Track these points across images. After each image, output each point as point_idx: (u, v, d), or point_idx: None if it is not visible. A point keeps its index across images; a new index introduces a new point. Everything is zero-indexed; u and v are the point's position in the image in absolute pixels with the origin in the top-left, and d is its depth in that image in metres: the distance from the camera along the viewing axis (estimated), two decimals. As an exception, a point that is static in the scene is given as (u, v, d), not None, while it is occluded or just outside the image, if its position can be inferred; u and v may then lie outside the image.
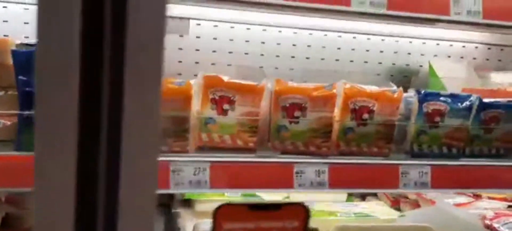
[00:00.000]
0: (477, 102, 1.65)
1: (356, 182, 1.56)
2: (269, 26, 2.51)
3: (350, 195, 2.38)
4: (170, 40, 2.37)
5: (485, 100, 1.66)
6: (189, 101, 1.43)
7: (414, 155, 1.63)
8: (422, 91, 1.62)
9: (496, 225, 2.03)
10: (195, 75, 1.64)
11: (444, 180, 1.62)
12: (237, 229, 1.05)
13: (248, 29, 2.49)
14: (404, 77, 2.69)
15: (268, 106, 1.56)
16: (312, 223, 1.87)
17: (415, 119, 1.62)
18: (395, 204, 2.42)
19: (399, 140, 1.67)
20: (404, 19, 1.55)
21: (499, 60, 2.85)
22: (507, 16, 1.57)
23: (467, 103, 1.64)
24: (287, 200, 1.89)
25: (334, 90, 1.55)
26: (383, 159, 1.59)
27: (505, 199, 2.46)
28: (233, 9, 2.31)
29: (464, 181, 1.64)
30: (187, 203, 2.05)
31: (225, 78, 1.55)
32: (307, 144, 1.55)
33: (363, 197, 2.51)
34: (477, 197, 2.43)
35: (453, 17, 1.53)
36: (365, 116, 1.57)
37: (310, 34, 2.57)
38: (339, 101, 1.57)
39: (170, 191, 1.41)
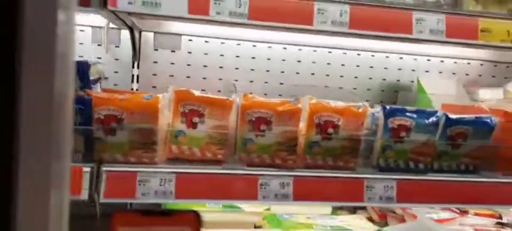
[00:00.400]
0: (443, 119, 1.67)
1: (320, 195, 1.60)
2: (259, 42, 2.57)
3: (334, 208, 2.42)
4: (163, 55, 2.47)
5: (452, 116, 1.68)
6: (156, 114, 1.50)
7: (380, 170, 1.67)
8: (388, 107, 1.66)
9: (472, 241, 2.04)
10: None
11: (410, 195, 1.65)
12: (131, 233, 1.11)
13: (238, 44, 2.56)
14: (395, 92, 2.72)
15: (236, 120, 1.62)
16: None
17: (381, 134, 1.66)
18: (382, 218, 2.44)
19: (367, 155, 1.71)
20: (366, 37, 1.59)
21: (493, 77, 2.85)
22: (470, 35, 1.60)
23: (433, 119, 1.67)
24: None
25: (299, 105, 1.60)
26: (349, 172, 1.63)
27: (492, 216, 2.47)
28: (223, 26, 2.38)
29: (430, 196, 1.66)
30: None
31: (196, 93, 1.62)
32: (273, 157, 1.61)
33: (354, 210, 2.55)
34: (463, 212, 2.43)
35: (415, 35, 1.57)
36: (330, 130, 1.61)
37: (300, 49, 2.63)
38: (304, 116, 1.62)
39: (136, 201, 1.48)
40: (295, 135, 1.61)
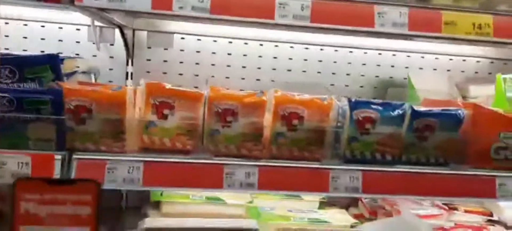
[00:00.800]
0: (409, 111, 1.69)
1: (285, 185, 1.64)
2: (250, 40, 2.63)
3: (321, 203, 2.45)
4: (156, 53, 2.55)
5: (418, 109, 1.70)
6: (123, 106, 1.58)
7: (346, 161, 1.70)
8: (353, 100, 1.69)
9: (448, 236, 2.04)
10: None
11: (376, 186, 1.67)
12: (34, 200, 1.18)
13: (230, 42, 2.62)
14: (388, 89, 2.72)
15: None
16: (266, 226, 1.97)
17: (347, 126, 1.69)
18: (373, 214, 2.46)
19: (335, 146, 1.74)
20: (327, 31, 1.63)
21: (489, 73, 2.83)
22: (434, 28, 1.61)
23: (399, 111, 1.68)
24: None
25: (264, 97, 1.65)
26: (314, 163, 1.67)
27: (483, 213, 2.45)
28: (215, 24, 2.44)
29: (397, 187, 1.68)
30: (156, 205, 2.19)
31: (167, 86, 1.69)
32: (239, 147, 1.66)
33: (347, 206, 2.57)
34: (452, 209, 2.43)
35: (378, 28, 1.59)
36: (295, 122, 1.65)
37: (292, 47, 2.67)
38: (270, 108, 1.66)
39: (105, 187, 1.55)
40: (261, 126, 1.65)
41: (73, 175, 1.54)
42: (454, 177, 1.70)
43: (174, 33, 2.56)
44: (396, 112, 1.68)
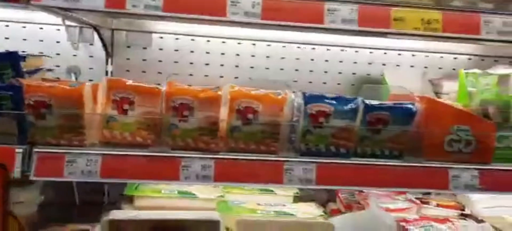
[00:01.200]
0: (362, 105, 1.73)
1: (240, 176, 1.69)
2: (229, 39, 2.69)
3: (297, 198, 2.49)
4: (135, 52, 2.62)
5: (370, 102, 1.74)
6: (81, 101, 1.64)
7: (302, 154, 1.74)
8: (307, 94, 1.73)
9: (410, 227, 2.07)
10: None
11: (330, 178, 1.71)
12: None
13: (208, 41, 2.68)
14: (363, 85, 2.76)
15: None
16: (228, 218, 2.02)
17: (301, 120, 1.73)
18: (348, 208, 2.49)
19: (292, 140, 1.78)
20: (278, 27, 1.67)
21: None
22: (383, 24, 1.65)
23: (352, 105, 1.72)
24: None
25: (220, 93, 1.71)
26: (268, 156, 1.71)
27: (455, 207, 2.48)
28: (193, 23, 2.50)
29: (350, 179, 1.72)
30: (131, 199, 2.25)
31: (127, 82, 1.75)
32: (196, 140, 1.71)
33: (327, 201, 2.61)
34: (424, 203, 2.46)
35: (327, 25, 1.64)
36: (250, 116, 1.70)
37: (269, 45, 2.72)
38: (225, 102, 1.72)
39: (63, 179, 1.62)
40: (216, 120, 1.71)
41: (33, 168, 1.61)
42: (407, 169, 1.73)
43: (152, 32, 2.63)
44: (349, 106, 1.72)
